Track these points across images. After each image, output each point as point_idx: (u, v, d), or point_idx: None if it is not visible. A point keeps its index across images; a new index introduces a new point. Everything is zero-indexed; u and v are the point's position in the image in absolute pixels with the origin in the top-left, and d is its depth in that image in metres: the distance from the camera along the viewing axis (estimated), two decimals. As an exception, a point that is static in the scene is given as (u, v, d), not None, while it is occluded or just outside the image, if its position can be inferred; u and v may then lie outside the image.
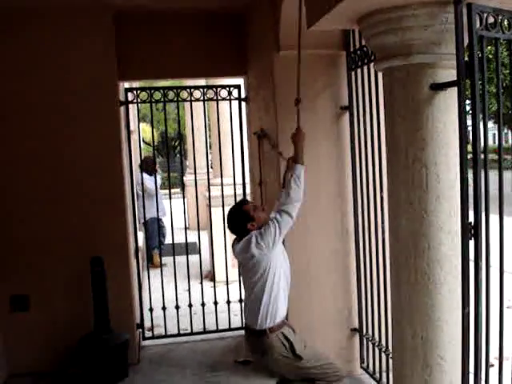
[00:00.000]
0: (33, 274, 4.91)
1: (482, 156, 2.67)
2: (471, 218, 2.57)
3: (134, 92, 5.39)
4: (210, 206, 5.96)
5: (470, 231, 2.58)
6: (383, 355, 4.14)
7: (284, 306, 3.58)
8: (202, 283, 5.69)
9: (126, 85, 6.33)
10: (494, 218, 2.60)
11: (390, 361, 3.93)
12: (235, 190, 5.62)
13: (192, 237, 5.78)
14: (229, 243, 5.76)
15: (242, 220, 3.56)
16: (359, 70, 4.16)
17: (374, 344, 4.28)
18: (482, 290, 2.60)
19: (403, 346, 2.97)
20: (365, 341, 4.45)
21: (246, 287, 3.68)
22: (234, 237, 3.66)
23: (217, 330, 5.67)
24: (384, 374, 4.16)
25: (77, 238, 4.93)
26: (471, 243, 2.59)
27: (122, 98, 5.29)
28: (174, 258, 5.59)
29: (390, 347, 3.71)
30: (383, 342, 4.10)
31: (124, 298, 5.08)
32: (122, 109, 5.31)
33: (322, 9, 3.00)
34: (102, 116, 4.94)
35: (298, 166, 3.58)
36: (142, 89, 5.52)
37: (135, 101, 5.38)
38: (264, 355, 3.53)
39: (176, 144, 24.23)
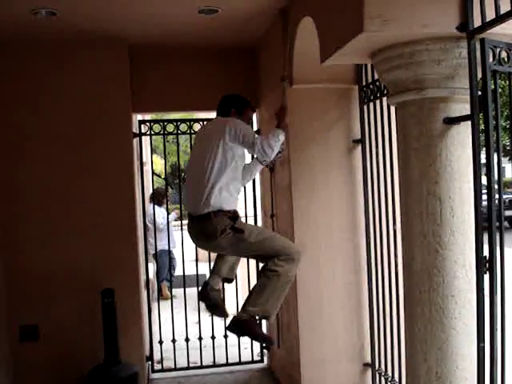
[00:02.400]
0: (43, 304, 4.89)
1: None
2: (486, 252, 2.56)
3: (148, 124, 5.44)
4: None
5: (485, 265, 2.57)
6: (396, 391, 4.08)
7: (234, 201, 3.62)
8: (212, 316, 5.64)
9: (139, 117, 6.39)
10: (508, 252, 2.59)
11: (404, 397, 3.89)
12: (246, 222, 5.61)
13: (202, 268, 5.77)
14: (240, 276, 5.78)
15: (234, 104, 3.74)
16: (371, 104, 4.18)
17: (386, 379, 4.22)
18: (498, 325, 2.58)
19: (417, 382, 2.93)
20: (377, 376, 4.39)
21: (192, 174, 3.73)
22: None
23: (227, 364, 5.62)
24: (397, 410, 4.10)
25: (88, 270, 4.92)
26: (486, 277, 2.58)
27: (135, 129, 5.34)
28: (185, 291, 5.57)
29: (404, 383, 3.67)
30: (396, 378, 4.04)
31: (134, 330, 5.04)
32: (135, 140, 5.36)
33: (335, 44, 3.04)
34: (116, 148, 4.98)
35: (277, 129, 3.67)
36: (156, 121, 5.58)
37: (148, 133, 5.43)
38: (209, 240, 3.55)
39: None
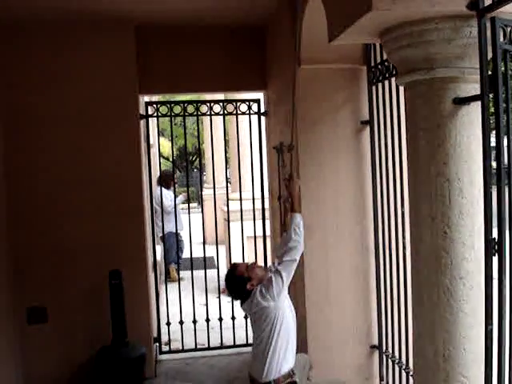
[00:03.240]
0: (51, 286, 4.92)
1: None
2: (495, 234, 2.53)
3: (154, 106, 5.42)
4: (228, 221, 5.95)
5: (494, 247, 2.54)
6: (403, 373, 4.08)
7: (291, 357, 3.58)
8: (219, 298, 5.66)
9: (146, 98, 6.37)
10: (517, 234, 2.57)
11: (411, 379, 3.88)
12: (254, 204, 5.61)
13: (209, 251, 5.78)
14: (247, 258, 5.79)
15: (239, 284, 3.60)
16: (380, 84, 4.14)
17: (393, 361, 4.22)
18: (506, 307, 2.56)
19: (425, 364, 2.92)
20: (384, 358, 4.39)
21: (254, 338, 3.69)
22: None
23: (234, 346, 5.65)
24: (404, 392, 4.10)
25: (95, 251, 4.94)
26: (495, 259, 2.55)
27: (141, 111, 5.32)
28: (192, 273, 5.58)
29: (411, 365, 3.67)
30: (403, 360, 4.04)
31: (141, 311, 5.07)
32: (142, 122, 5.34)
33: (343, 23, 3.00)
34: (122, 129, 4.97)
35: (296, 215, 3.63)
36: (162, 103, 5.55)
37: (155, 115, 5.41)
38: None
39: (194, 159, 24.34)
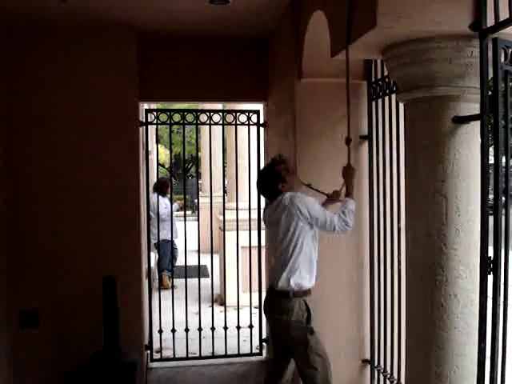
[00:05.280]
0: (44, 289, 4.90)
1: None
2: (490, 253, 2.55)
3: (154, 113, 5.43)
4: (224, 230, 5.95)
5: (489, 265, 2.56)
6: (394, 388, 4.09)
7: (310, 279, 3.75)
8: (212, 307, 5.66)
9: (145, 106, 6.39)
10: (513, 254, 2.59)
11: (402, 394, 3.89)
12: (250, 214, 5.62)
13: (203, 260, 5.79)
14: (241, 268, 5.78)
15: (273, 180, 3.75)
16: (380, 100, 4.17)
17: (385, 376, 4.22)
18: (500, 326, 2.57)
19: (416, 380, 2.93)
20: (376, 372, 4.39)
21: (272, 249, 3.86)
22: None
23: (225, 355, 5.63)
24: (394, 408, 4.10)
25: (90, 257, 4.93)
26: (490, 277, 2.57)
27: (141, 118, 5.33)
28: (186, 281, 5.57)
29: (402, 380, 3.67)
30: (395, 375, 4.04)
31: (134, 318, 5.05)
32: (141, 129, 5.35)
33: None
34: (122, 136, 4.97)
35: (350, 200, 3.76)
36: (162, 110, 5.57)
37: (155, 122, 5.42)
38: (283, 315, 3.67)
39: (190, 167, 24.35)
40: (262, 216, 3.98)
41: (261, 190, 3.98)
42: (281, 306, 3.71)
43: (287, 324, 3.70)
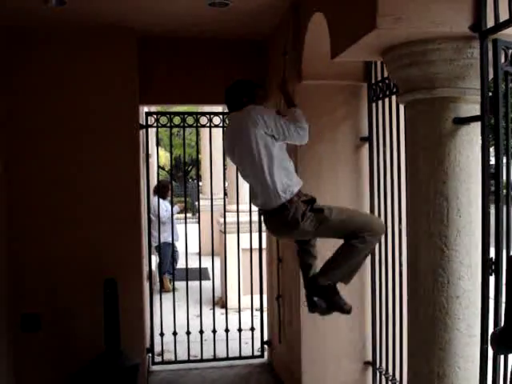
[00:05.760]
0: (45, 293, 4.90)
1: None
2: (492, 254, 2.55)
3: (154, 116, 5.44)
4: (225, 232, 5.95)
5: (491, 267, 2.56)
6: (396, 390, 4.08)
7: (297, 182, 3.56)
8: (213, 309, 5.65)
9: (145, 109, 6.39)
10: (515, 255, 2.58)
11: (404, 396, 3.88)
12: (251, 216, 5.62)
13: (204, 262, 5.79)
14: (242, 271, 5.78)
15: (242, 90, 3.64)
16: (380, 102, 4.17)
17: (387, 378, 4.21)
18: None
19: (418, 382, 2.93)
20: (378, 374, 4.38)
21: (249, 174, 3.66)
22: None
23: (227, 358, 5.63)
24: (396, 409, 4.10)
25: (91, 260, 4.92)
26: (491, 278, 2.57)
27: (141, 121, 5.33)
28: (187, 284, 5.57)
29: (404, 382, 3.66)
30: (397, 377, 4.03)
31: (135, 321, 5.05)
32: (142, 132, 5.35)
33: (347, 40, 3.03)
34: (122, 139, 4.97)
35: (293, 108, 3.68)
36: (162, 113, 5.57)
37: (155, 125, 5.43)
38: (292, 228, 3.50)
39: (190, 169, 24.35)
40: (223, 145, 3.84)
41: (226, 101, 3.83)
42: (287, 220, 3.49)
43: (303, 228, 3.49)
